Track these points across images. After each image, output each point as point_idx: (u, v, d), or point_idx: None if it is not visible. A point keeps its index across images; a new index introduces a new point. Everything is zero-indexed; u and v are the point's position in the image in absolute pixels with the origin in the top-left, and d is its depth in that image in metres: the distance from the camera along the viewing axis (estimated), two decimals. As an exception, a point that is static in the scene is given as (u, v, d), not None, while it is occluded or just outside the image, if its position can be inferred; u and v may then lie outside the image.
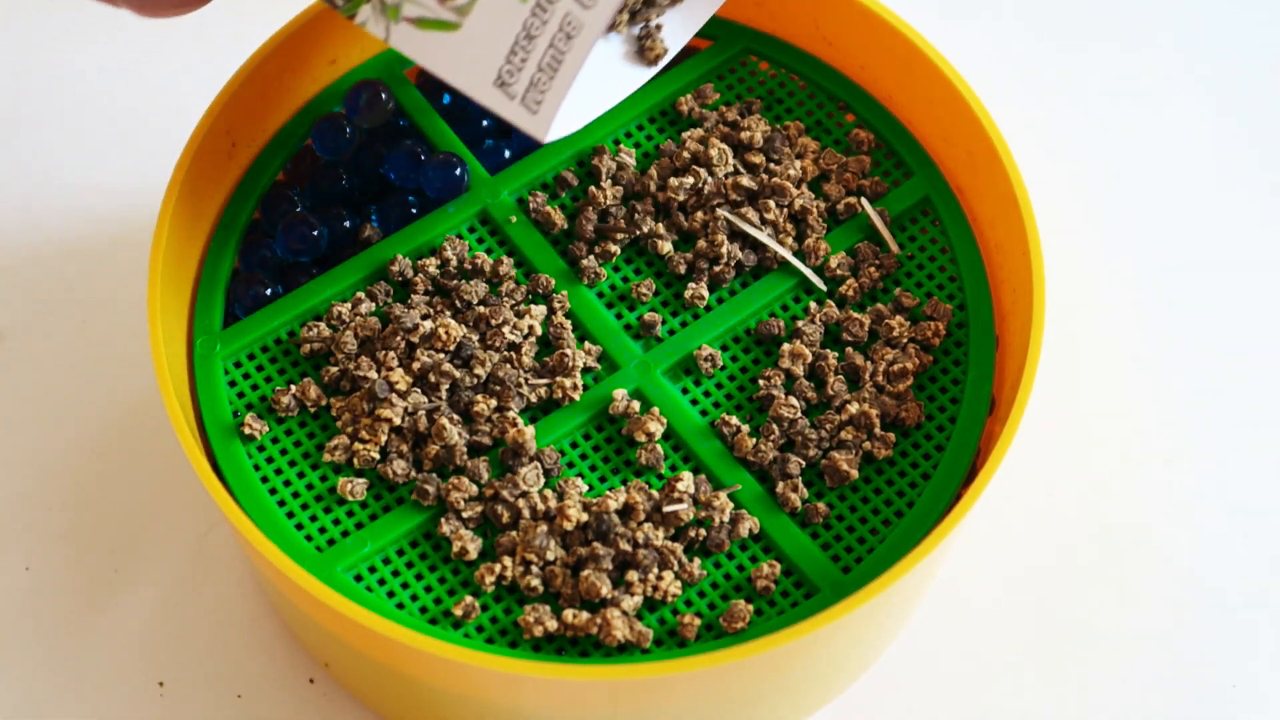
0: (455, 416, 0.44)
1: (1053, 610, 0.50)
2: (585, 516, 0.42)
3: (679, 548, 0.42)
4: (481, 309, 0.45)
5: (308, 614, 0.42)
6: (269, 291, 0.46)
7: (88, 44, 0.59)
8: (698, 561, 0.42)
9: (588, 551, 0.42)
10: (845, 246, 0.47)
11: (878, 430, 0.44)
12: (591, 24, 0.38)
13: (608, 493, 0.43)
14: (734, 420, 0.44)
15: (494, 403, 0.44)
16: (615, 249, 0.47)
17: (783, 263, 0.46)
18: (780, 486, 0.43)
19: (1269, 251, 0.56)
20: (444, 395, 0.44)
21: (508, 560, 0.42)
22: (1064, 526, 0.51)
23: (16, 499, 0.51)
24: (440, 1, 0.39)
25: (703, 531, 0.42)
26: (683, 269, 0.46)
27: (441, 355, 0.44)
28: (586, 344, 0.45)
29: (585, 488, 0.43)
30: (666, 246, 0.47)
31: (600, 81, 0.44)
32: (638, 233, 0.47)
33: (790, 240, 0.47)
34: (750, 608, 0.42)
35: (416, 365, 0.44)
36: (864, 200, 0.47)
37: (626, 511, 0.43)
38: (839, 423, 0.44)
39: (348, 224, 0.47)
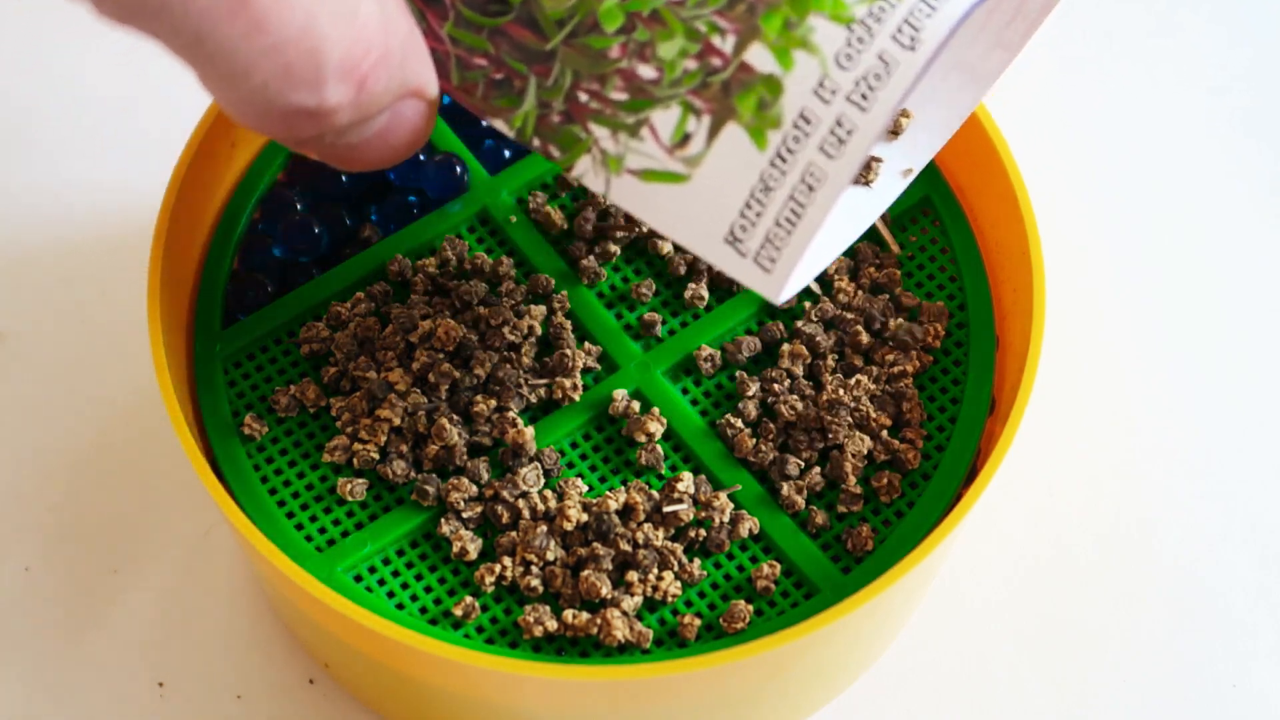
0: (455, 417, 0.44)
1: (1053, 610, 0.50)
2: (585, 517, 0.42)
3: (679, 548, 0.42)
4: (481, 309, 0.45)
5: (308, 614, 0.42)
6: (269, 291, 0.46)
7: (88, 44, 0.59)
8: (698, 562, 0.42)
9: (588, 552, 0.42)
10: (845, 246, 0.47)
11: (877, 430, 0.44)
12: (837, 175, 0.35)
13: (608, 493, 0.43)
14: (734, 420, 0.44)
15: (494, 403, 0.44)
16: (615, 249, 0.47)
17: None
18: (785, 488, 0.43)
19: (1270, 251, 0.56)
20: (444, 395, 0.44)
21: (508, 560, 0.42)
22: (1064, 526, 0.51)
23: (16, 499, 0.51)
24: (669, 151, 0.36)
25: (703, 532, 0.42)
26: (683, 269, 0.46)
27: (441, 355, 0.44)
28: (586, 344, 0.45)
29: (585, 488, 0.43)
30: (666, 246, 0.47)
31: (842, 219, 0.41)
32: (638, 232, 0.47)
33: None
34: (750, 608, 0.42)
35: (416, 365, 0.44)
36: (864, 200, 0.47)
37: (626, 512, 0.43)
38: (839, 423, 0.44)
39: (348, 224, 0.47)
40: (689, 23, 0.35)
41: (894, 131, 0.42)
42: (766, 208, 0.35)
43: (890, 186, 0.43)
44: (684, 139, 0.36)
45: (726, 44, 0.35)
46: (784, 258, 0.36)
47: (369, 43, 0.31)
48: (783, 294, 0.36)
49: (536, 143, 0.37)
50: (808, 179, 0.35)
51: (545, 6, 0.36)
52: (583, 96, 0.36)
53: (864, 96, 0.35)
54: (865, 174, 0.42)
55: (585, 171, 0.37)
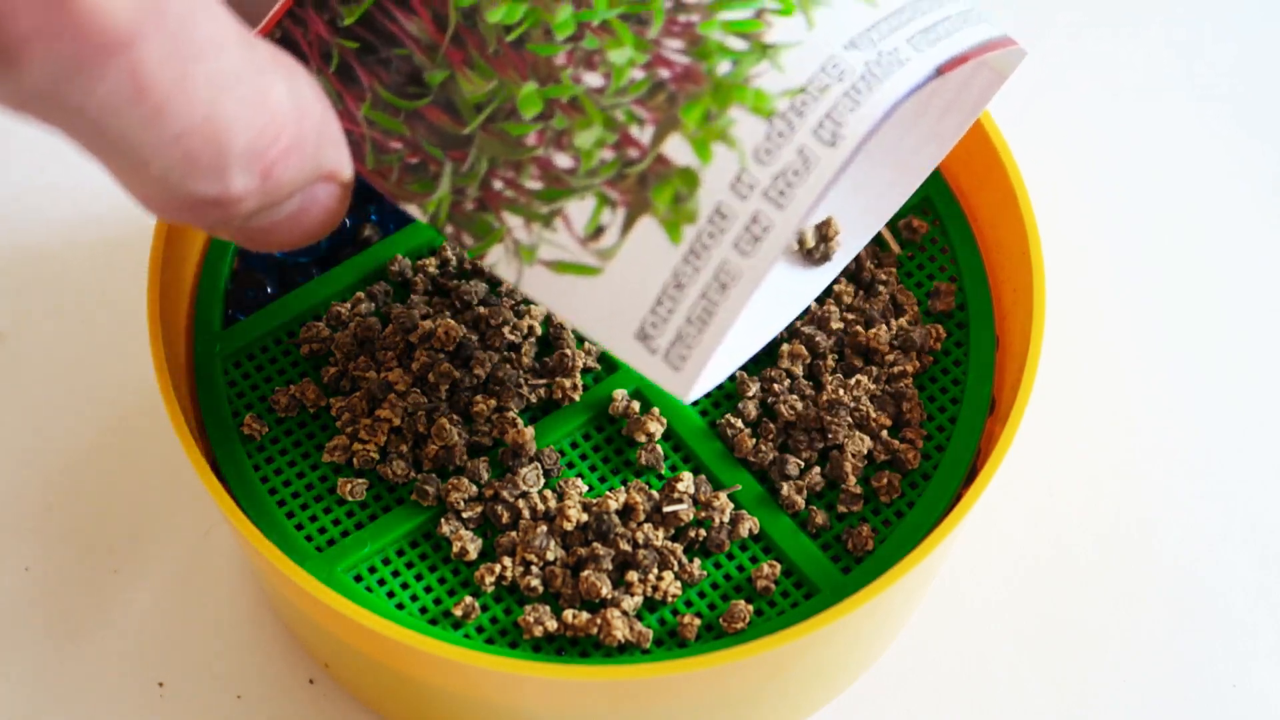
0: (455, 417, 0.44)
1: (1053, 610, 0.50)
2: (585, 517, 0.42)
3: (679, 548, 0.42)
4: (481, 309, 0.45)
5: (308, 614, 0.42)
6: (269, 291, 0.46)
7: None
8: (698, 562, 0.42)
9: (588, 552, 0.42)
10: (845, 246, 0.47)
11: (877, 430, 0.44)
12: (751, 273, 0.34)
13: (608, 493, 0.43)
14: (734, 420, 0.44)
15: (494, 403, 0.44)
16: (615, 249, 0.47)
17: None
18: (785, 488, 0.43)
19: (1271, 251, 0.56)
20: (444, 395, 0.44)
21: (508, 560, 0.42)
22: (1064, 526, 0.51)
23: (16, 499, 0.50)
24: (582, 243, 0.35)
25: (703, 532, 0.42)
26: (683, 269, 0.46)
27: (441, 355, 0.44)
28: (586, 344, 0.45)
29: (585, 488, 0.43)
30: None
31: (767, 307, 0.40)
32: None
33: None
34: (750, 608, 0.42)
35: (416, 365, 0.44)
36: (864, 200, 0.47)
37: (626, 512, 0.43)
38: (839, 423, 0.43)
39: (348, 224, 0.47)
40: (608, 111, 0.34)
41: (814, 252, 0.41)
42: (678, 304, 0.34)
43: (821, 273, 0.42)
44: (598, 231, 0.35)
45: (645, 134, 0.34)
46: (694, 356, 0.35)
47: (278, 129, 0.30)
48: (693, 393, 0.35)
49: (449, 229, 0.36)
50: (721, 276, 0.34)
51: (464, 90, 0.35)
52: (498, 184, 0.35)
53: (781, 193, 0.34)
54: (822, 246, 0.41)
55: (498, 261, 0.35)
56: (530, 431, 0.43)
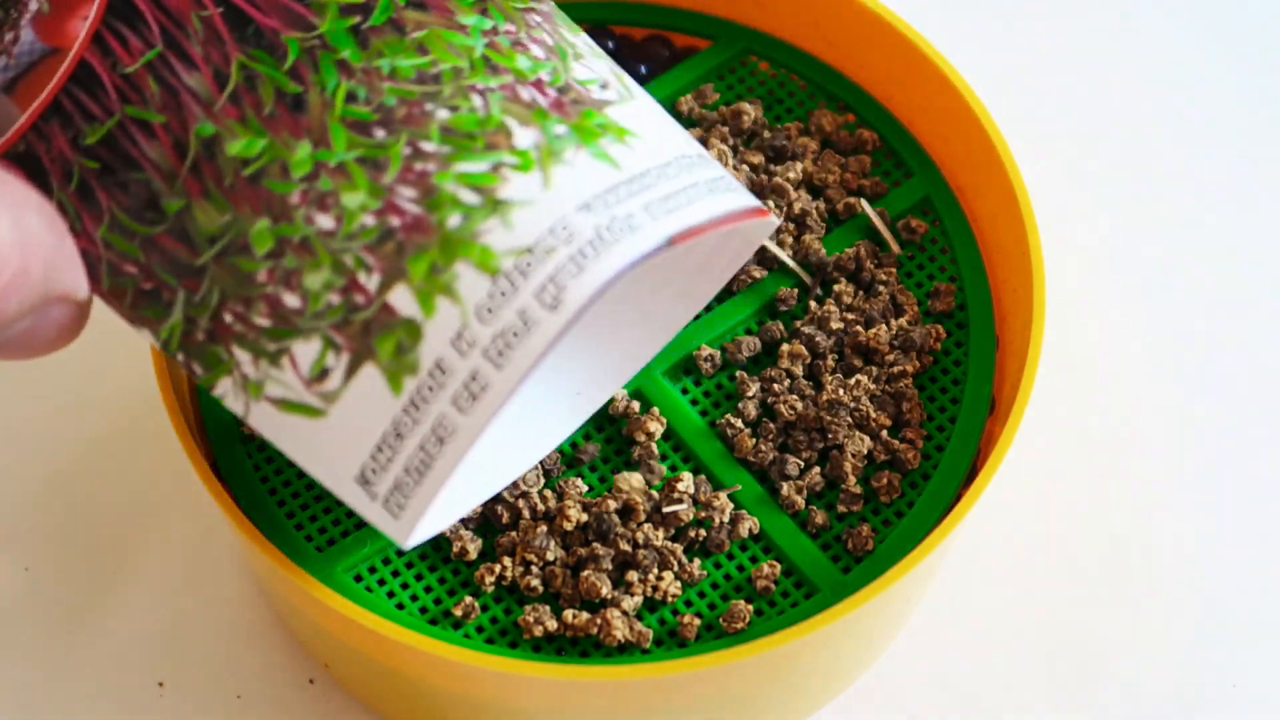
0: (455, 417, 0.44)
1: (1053, 610, 0.50)
2: (585, 517, 0.42)
3: (679, 548, 0.42)
4: (481, 309, 0.45)
5: (308, 614, 0.42)
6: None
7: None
8: (698, 562, 0.42)
9: (588, 552, 0.42)
10: (845, 247, 0.47)
11: (877, 430, 0.44)
12: (467, 430, 0.34)
13: (607, 493, 0.43)
14: (734, 420, 0.44)
15: (494, 403, 0.44)
16: (615, 249, 0.47)
17: (781, 264, 0.46)
18: (784, 488, 0.43)
19: (1271, 251, 0.56)
20: (444, 395, 0.44)
21: (508, 560, 0.42)
22: (1064, 526, 0.51)
23: (16, 499, 0.50)
24: (307, 384, 0.35)
25: (703, 532, 0.42)
26: (682, 269, 0.46)
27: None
28: (586, 344, 0.45)
29: (585, 488, 0.43)
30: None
31: (505, 453, 0.40)
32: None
33: (790, 240, 0.47)
34: (750, 608, 0.42)
35: (416, 365, 0.44)
36: (864, 200, 0.47)
37: (626, 512, 0.43)
38: (839, 423, 0.43)
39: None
40: (336, 255, 0.34)
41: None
42: (397, 454, 0.34)
43: (566, 420, 0.42)
44: (323, 373, 0.34)
45: (371, 282, 0.34)
46: (412, 505, 0.35)
47: (1, 263, 0.31)
48: (411, 540, 0.36)
49: (180, 357, 0.36)
50: (438, 430, 0.34)
51: (199, 221, 0.34)
52: (228, 317, 0.35)
53: (500, 354, 0.33)
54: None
55: (226, 393, 0.35)
56: (530, 431, 0.43)
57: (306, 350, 0.35)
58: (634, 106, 0.36)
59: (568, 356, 0.42)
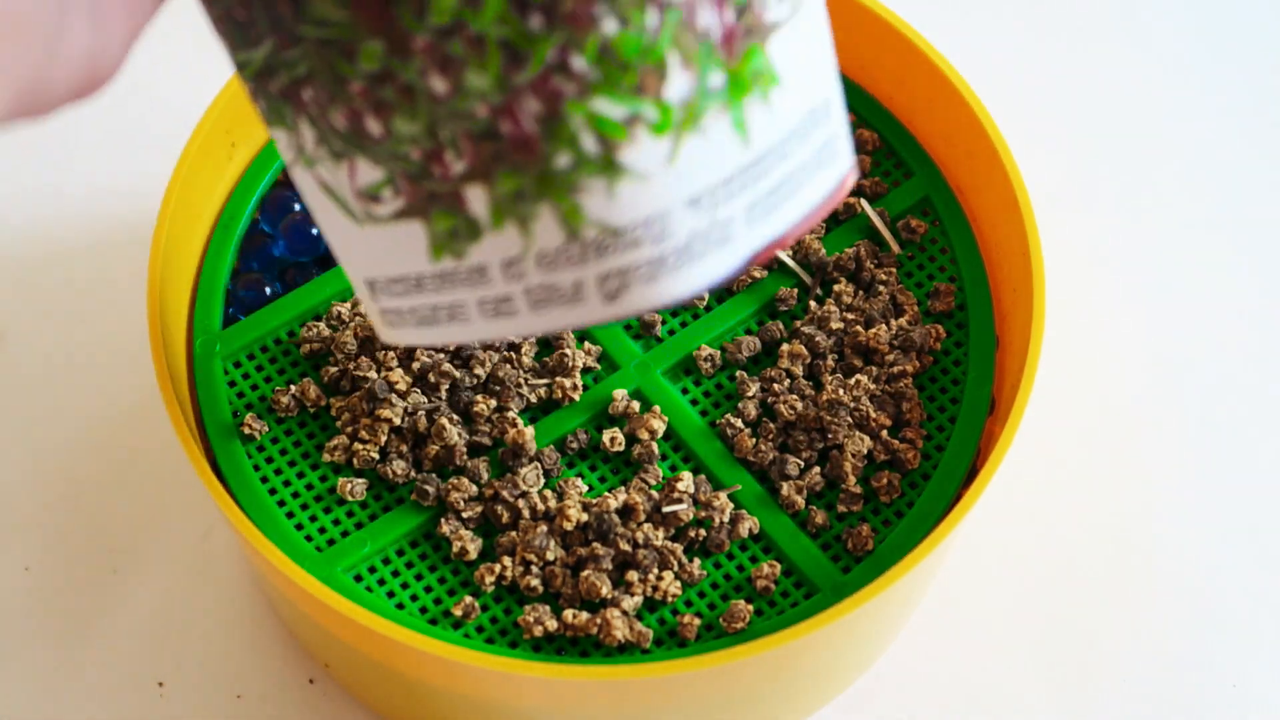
0: (455, 416, 0.44)
1: (1052, 610, 0.50)
2: (585, 517, 0.42)
3: (679, 548, 0.42)
4: (481, 309, 0.45)
5: (308, 614, 0.42)
6: (269, 291, 0.46)
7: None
8: (698, 561, 0.42)
9: (588, 551, 0.42)
10: (845, 247, 0.47)
11: (877, 430, 0.44)
12: (477, 330, 0.34)
13: (607, 493, 0.43)
14: (734, 420, 0.44)
15: (494, 403, 0.44)
16: (615, 249, 0.46)
17: (782, 264, 0.46)
18: (784, 488, 0.43)
19: (1272, 252, 0.56)
20: (444, 395, 0.44)
21: (508, 560, 0.42)
22: (1064, 526, 0.51)
23: (16, 499, 0.50)
24: (355, 196, 0.34)
25: (703, 531, 0.42)
26: (683, 269, 0.46)
27: (441, 355, 0.44)
28: (586, 344, 0.45)
29: (585, 488, 0.43)
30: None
31: None
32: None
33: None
34: (750, 608, 0.42)
35: (416, 365, 0.44)
36: (864, 200, 0.47)
37: (626, 512, 0.43)
38: (838, 423, 0.43)
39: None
40: (435, 121, 0.32)
41: None
42: (412, 297, 0.35)
43: None
44: (375, 199, 0.34)
45: (456, 167, 0.32)
46: (409, 337, 0.35)
47: None
48: (394, 340, 0.36)
49: (250, 88, 0.34)
50: (454, 311, 0.34)
51: (314, 2, 0.31)
52: (308, 94, 0.33)
53: (539, 302, 0.33)
54: None
55: (281, 142, 0.34)
56: (530, 431, 0.43)
57: (370, 173, 0.34)
58: (800, 25, 0.33)
59: None
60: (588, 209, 0.31)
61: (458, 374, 0.44)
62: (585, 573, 0.41)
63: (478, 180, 0.32)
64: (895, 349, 0.45)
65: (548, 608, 0.41)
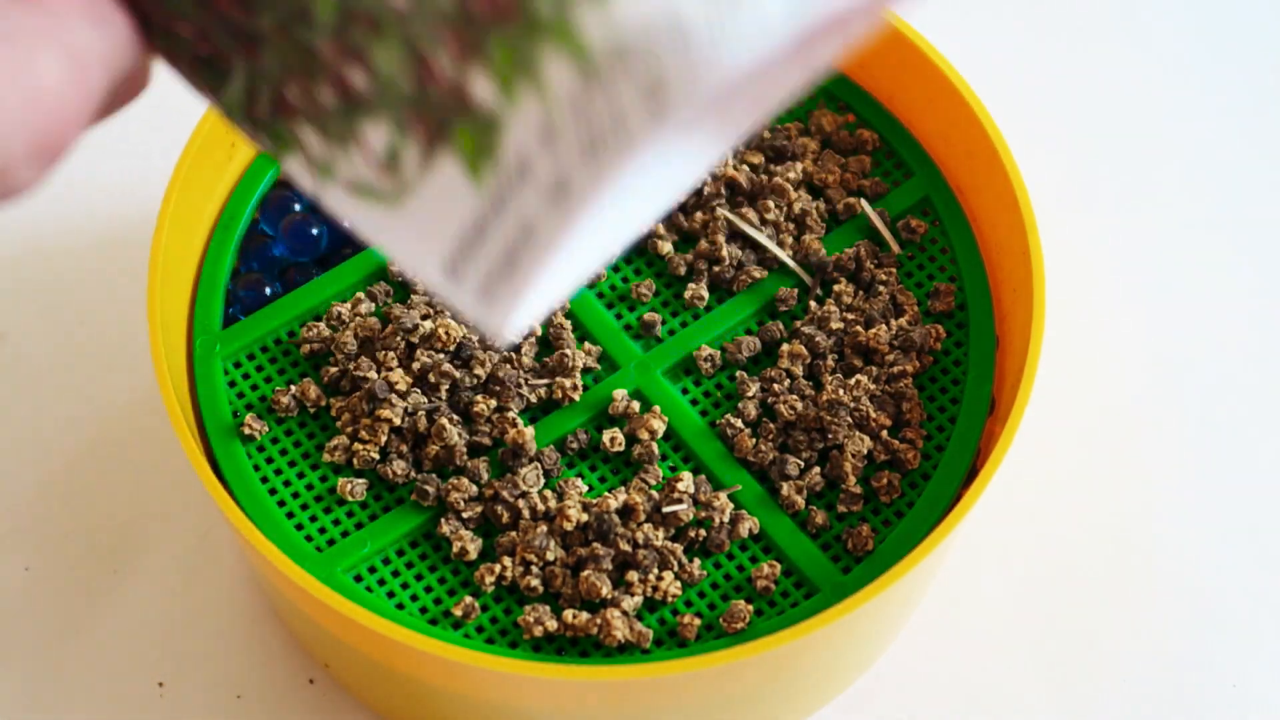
0: (455, 417, 0.44)
1: (1052, 610, 0.50)
2: (585, 517, 0.42)
3: (679, 548, 0.42)
4: (481, 309, 0.45)
5: (308, 614, 0.42)
6: (269, 291, 0.46)
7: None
8: (698, 562, 0.42)
9: (588, 552, 0.42)
10: (845, 247, 0.47)
11: (877, 430, 0.44)
12: (551, 231, 0.32)
13: (607, 493, 0.43)
14: (734, 420, 0.44)
15: (494, 403, 0.44)
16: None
17: (782, 264, 0.46)
18: (784, 488, 0.43)
19: (1270, 252, 0.56)
20: (444, 395, 0.44)
21: (508, 560, 0.42)
22: (1064, 526, 0.51)
23: (16, 499, 0.50)
24: (377, 172, 0.33)
25: (703, 532, 0.42)
26: (683, 269, 0.46)
27: (441, 355, 0.44)
28: (586, 344, 0.45)
29: (585, 488, 0.43)
30: (666, 247, 0.47)
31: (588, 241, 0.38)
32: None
33: (790, 240, 0.47)
34: (750, 608, 0.42)
35: (416, 365, 0.44)
36: (864, 201, 0.47)
37: (626, 512, 0.43)
38: (838, 423, 0.43)
39: (347, 224, 0.47)
40: (410, 35, 0.31)
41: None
42: (480, 250, 0.32)
43: (637, 214, 0.39)
44: (395, 161, 0.32)
45: (448, 66, 0.31)
46: (503, 300, 0.33)
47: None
48: (508, 333, 0.33)
49: (247, 131, 0.33)
50: (525, 228, 0.32)
51: None
52: (292, 93, 0.32)
53: (587, 153, 0.31)
54: None
55: (295, 172, 0.33)
56: (530, 432, 0.43)
57: (378, 135, 0.32)
58: None
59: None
60: (590, 36, 0.30)
61: (458, 374, 0.44)
62: (585, 573, 0.41)
63: (474, 64, 0.31)
64: (895, 349, 0.45)
65: (548, 608, 0.41)
